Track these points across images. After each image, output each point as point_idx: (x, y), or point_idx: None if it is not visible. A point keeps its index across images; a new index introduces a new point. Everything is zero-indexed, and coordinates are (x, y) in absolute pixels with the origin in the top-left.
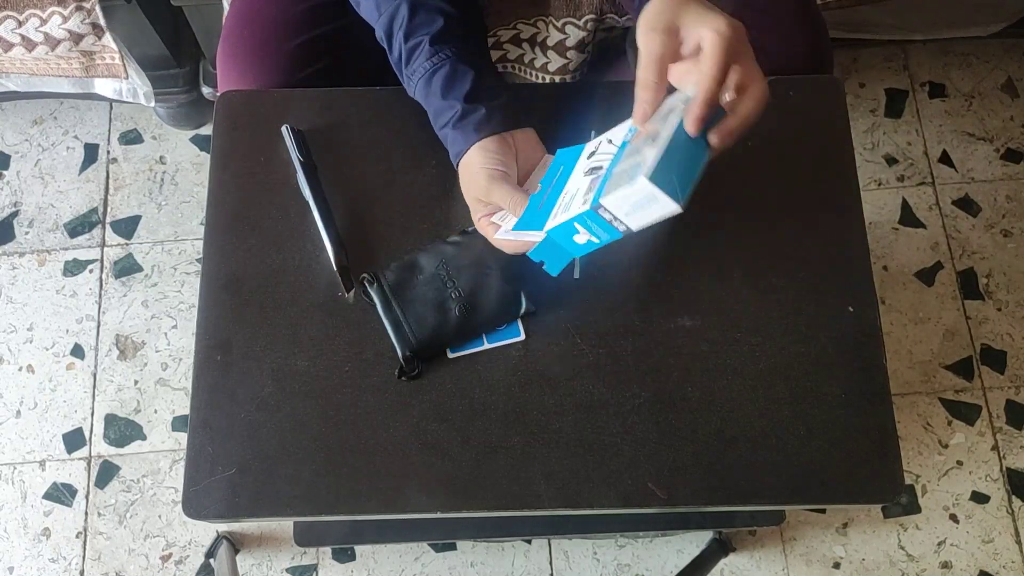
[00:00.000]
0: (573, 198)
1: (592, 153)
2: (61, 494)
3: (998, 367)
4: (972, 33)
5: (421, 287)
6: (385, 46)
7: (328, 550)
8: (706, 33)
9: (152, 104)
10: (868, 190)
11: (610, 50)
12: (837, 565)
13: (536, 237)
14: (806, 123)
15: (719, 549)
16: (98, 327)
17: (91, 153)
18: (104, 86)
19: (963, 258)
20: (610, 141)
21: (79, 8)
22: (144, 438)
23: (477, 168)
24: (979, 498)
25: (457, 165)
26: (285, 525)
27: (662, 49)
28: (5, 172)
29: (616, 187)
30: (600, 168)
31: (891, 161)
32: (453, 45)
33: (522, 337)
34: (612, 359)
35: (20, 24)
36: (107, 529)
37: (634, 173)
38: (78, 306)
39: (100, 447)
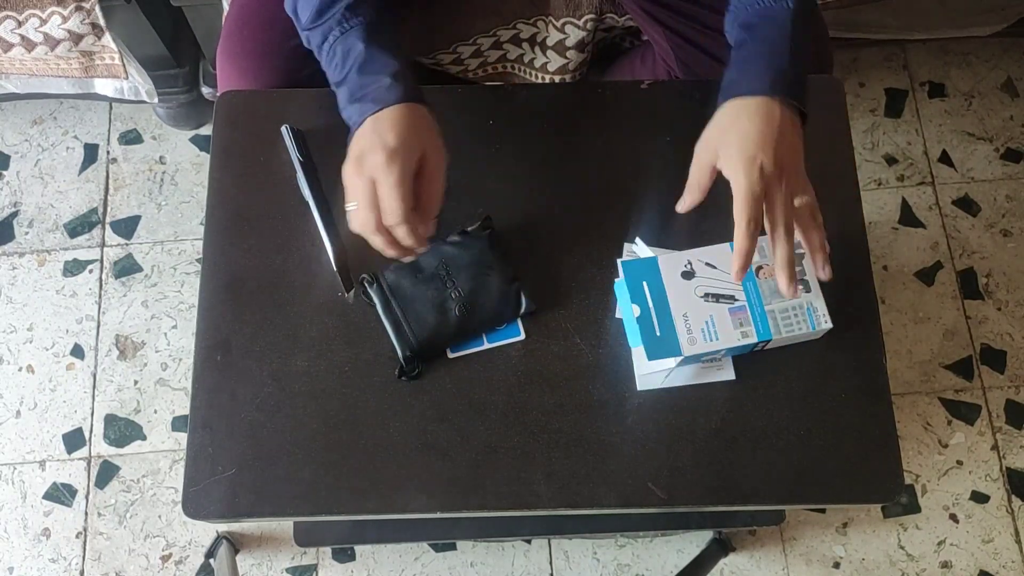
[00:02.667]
0: (710, 326)
1: (688, 273)
2: (61, 494)
3: (998, 367)
4: (972, 33)
5: (421, 287)
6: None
7: (328, 550)
8: (733, 184)
9: (155, 101)
10: (868, 190)
11: (610, 50)
12: (837, 565)
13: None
14: (807, 123)
15: (719, 549)
16: (98, 327)
17: (91, 153)
18: (104, 86)
19: (963, 258)
20: (708, 264)
21: (79, 8)
22: (144, 438)
23: (426, 117)
24: (979, 498)
25: (376, 111)
26: (285, 525)
27: (699, 162)
28: (5, 172)
29: (792, 328)
30: (724, 296)
31: (891, 161)
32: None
33: (522, 337)
34: (612, 359)
35: (20, 24)
36: (107, 529)
37: (810, 319)
38: (78, 306)
39: (100, 447)
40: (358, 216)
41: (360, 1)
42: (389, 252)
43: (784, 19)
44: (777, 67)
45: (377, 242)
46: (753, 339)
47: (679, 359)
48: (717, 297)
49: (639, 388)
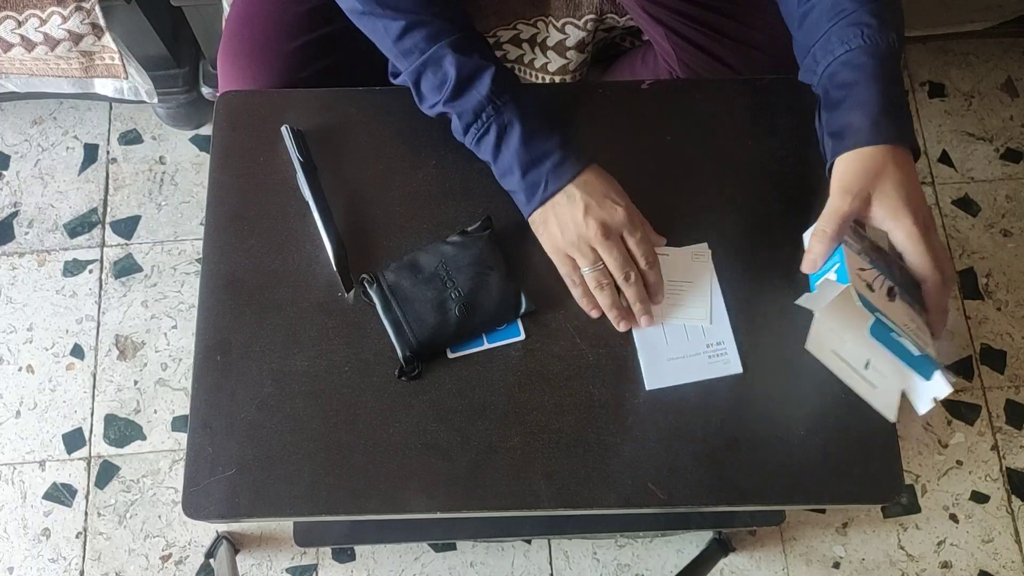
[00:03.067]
0: (916, 322)
1: (868, 284)
2: (61, 494)
3: (998, 367)
4: (970, 28)
5: (421, 287)
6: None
7: (328, 550)
8: (902, 238)
9: (155, 101)
10: None
11: (610, 50)
12: (837, 565)
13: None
14: (807, 123)
15: (719, 549)
16: (98, 327)
17: (91, 153)
18: (104, 86)
19: (963, 258)
20: (860, 269)
21: (78, 8)
22: (144, 438)
23: (608, 177)
24: (979, 498)
25: (572, 179)
26: (285, 525)
27: (850, 210)
28: (5, 172)
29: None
30: (894, 288)
31: None
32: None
33: (522, 337)
34: (612, 359)
35: (19, 24)
36: (107, 529)
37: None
38: (78, 306)
39: (100, 447)
40: (617, 273)
41: (501, 74)
42: (622, 325)
43: (891, 57)
44: (901, 112)
45: (631, 294)
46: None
47: (944, 369)
48: (893, 289)
49: (648, 388)
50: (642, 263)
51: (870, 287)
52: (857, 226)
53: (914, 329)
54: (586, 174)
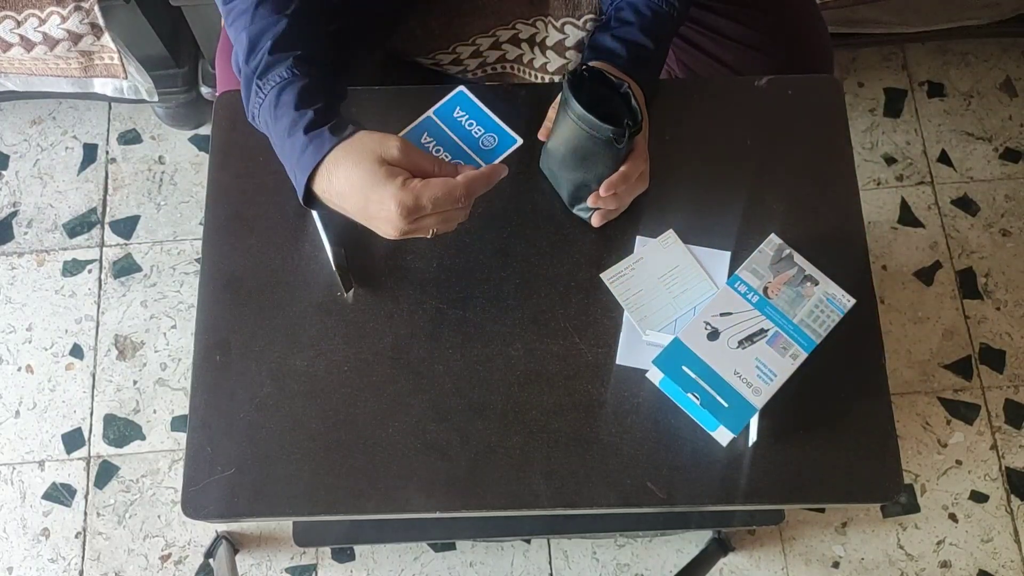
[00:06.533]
0: (763, 368)
1: (713, 334)
2: (60, 494)
3: (997, 366)
4: (967, 23)
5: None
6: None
7: (328, 550)
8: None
9: (155, 99)
10: (867, 190)
11: None
12: (836, 564)
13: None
14: (806, 123)
15: (718, 549)
16: (97, 327)
17: (90, 153)
18: (103, 85)
19: (962, 257)
20: (723, 314)
21: (78, 8)
22: (143, 438)
23: (378, 140)
24: (978, 497)
25: (333, 149)
26: (285, 525)
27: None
28: (4, 172)
29: (826, 323)
30: (755, 334)
31: (890, 161)
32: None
33: (519, 142)
34: (611, 359)
35: (19, 24)
36: (106, 529)
37: (833, 305)
38: (77, 306)
39: (99, 447)
40: (445, 227)
41: (270, 66)
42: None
43: (662, 16)
44: (656, 81)
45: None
46: (804, 355)
47: (756, 415)
48: (750, 338)
49: (617, 362)
50: (452, 202)
51: (714, 334)
52: (787, 255)
53: (749, 378)
54: (324, 163)
